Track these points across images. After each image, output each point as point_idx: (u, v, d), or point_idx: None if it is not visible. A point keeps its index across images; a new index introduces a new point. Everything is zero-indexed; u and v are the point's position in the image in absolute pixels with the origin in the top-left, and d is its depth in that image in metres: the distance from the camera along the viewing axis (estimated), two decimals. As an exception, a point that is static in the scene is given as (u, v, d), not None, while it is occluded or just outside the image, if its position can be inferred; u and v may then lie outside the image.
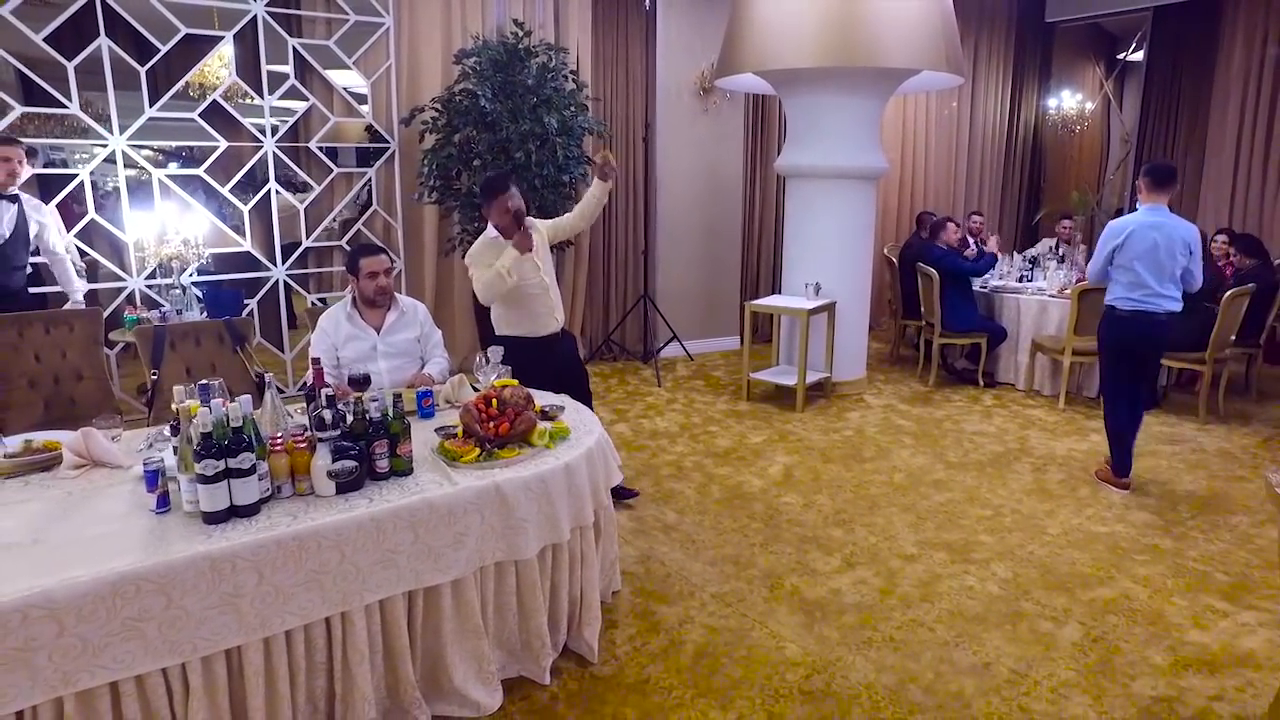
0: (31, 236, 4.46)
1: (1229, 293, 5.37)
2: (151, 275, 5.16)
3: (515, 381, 2.98)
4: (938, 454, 4.85)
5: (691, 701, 2.57)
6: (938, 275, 6.19)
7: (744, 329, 6.19)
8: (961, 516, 3.98)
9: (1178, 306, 4.17)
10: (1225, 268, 6.15)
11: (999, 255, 6.70)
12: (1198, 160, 8.62)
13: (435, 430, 2.88)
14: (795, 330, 5.92)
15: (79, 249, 5.03)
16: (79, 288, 4.66)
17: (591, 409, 3.87)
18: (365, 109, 5.93)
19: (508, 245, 3.61)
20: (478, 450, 2.65)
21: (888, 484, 4.39)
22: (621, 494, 3.98)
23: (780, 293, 6.47)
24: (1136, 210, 4.26)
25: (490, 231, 3.74)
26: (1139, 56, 9.57)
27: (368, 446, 2.44)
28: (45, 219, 4.52)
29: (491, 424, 2.72)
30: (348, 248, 5.83)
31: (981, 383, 6.39)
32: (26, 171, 4.50)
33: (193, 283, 5.11)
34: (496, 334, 3.84)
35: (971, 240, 7.37)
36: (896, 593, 3.25)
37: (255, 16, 5.28)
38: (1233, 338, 5.61)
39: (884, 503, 4.14)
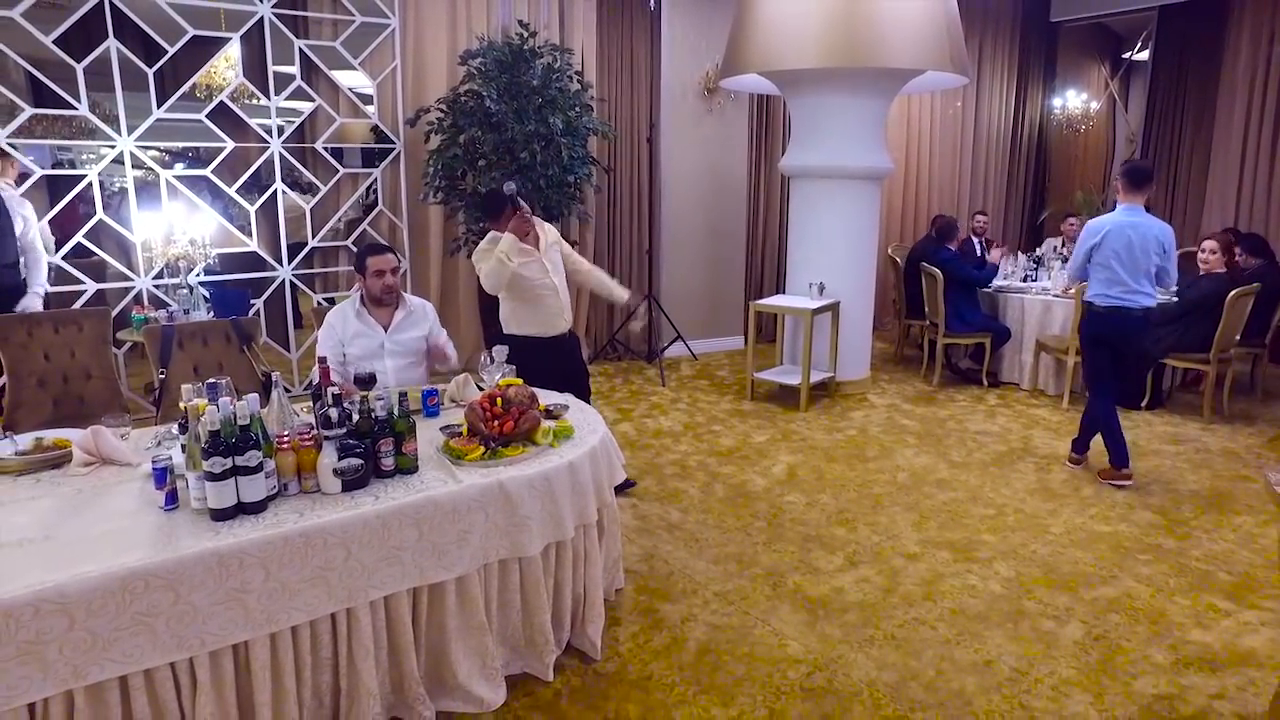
0: (17, 233, 4.46)
1: (1234, 292, 5.37)
2: (159, 275, 5.20)
3: (520, 380, 3.01)
4: (941, 453, 4.86)
5: (694, 698, 2.59)
6: (942, 276, 6.19)
7: (748, 329, 6.20)
8: (964, 516, 3.99)
9: (1153, 302, 4.32)
10: (1233, 265, 6.12)
11: (1000, 264, 6.69)
12: (1203, 160, 8.59)
13: (440, 429, 2.91)
14: (799, 330, 5.94)
15: (81, 247, 5.08)
16: (43, 283, 4.60)
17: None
18: (371, 110, 5.96)
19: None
20: (482, 448, 2.67)
21: (891, 483, 4.40)
22: (621, 484, 3.99)
23: (784, 293, 6.48)
24: (1114, 209, 4.37)
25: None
26: (1145, 56, 9.55)
27: (373, 445, 2.46)
28: (30, 215, 4.54)
29: (496, 422, 2.74)
30: (354, 248, 5.87)
31: (985, 382, 6.40)
32: (11, 170, 4.52)
33: (200, 283, 5.14)
34: (505, 333, 3.86)
35: (975, 240, 7.39)
36: (899, 591, 3.26)
37: (262, 18, 5.32)
38: (1237, 337, 5.60)
39: (887, 502, 4.15)
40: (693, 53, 7.14)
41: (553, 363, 3.78)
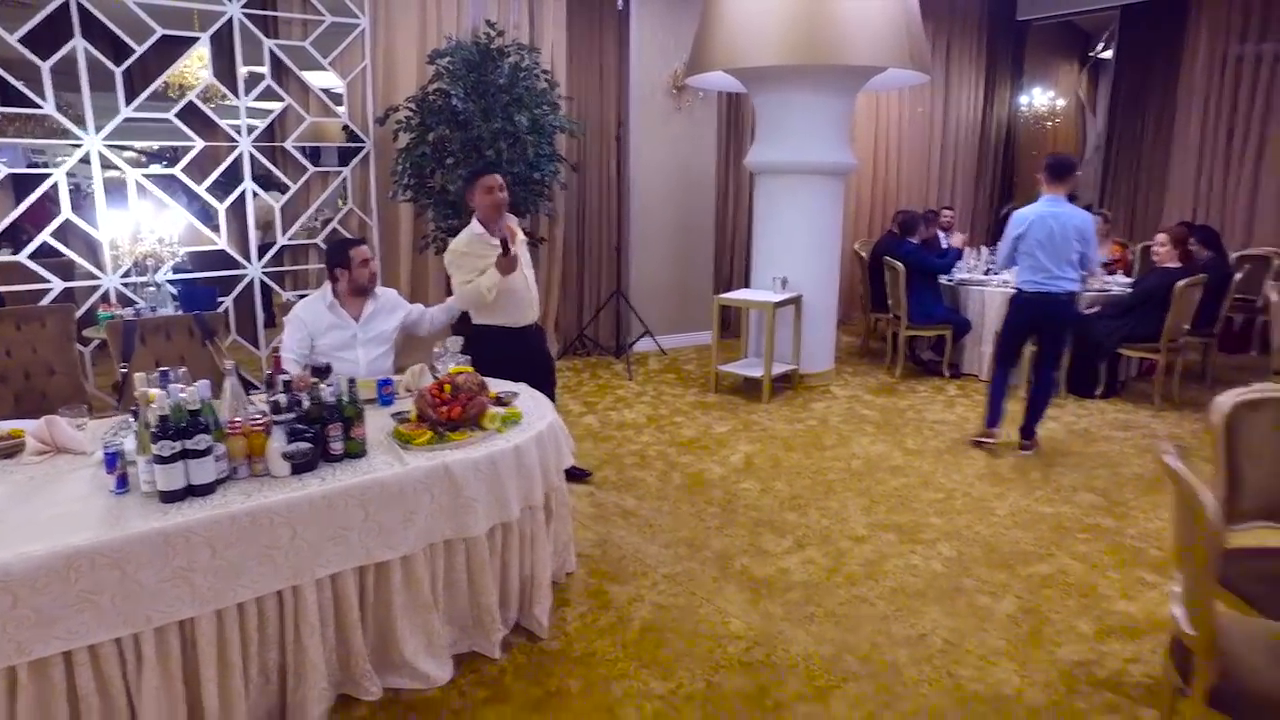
0: None
1: (1182, 282, 5.51)
2: (126, 273, 5.24)
3: (471, 369, 3.09)
4: (897, 441, 4.97)
5: (635, 672, 2.68)
6: (904, 268, 6.31)
7: (714, 323, 6.30)
8: (914, 500, 4.10)
9: (1075, 286, 4.59)
10: (1187, 256, 6.25)
11: (964, 249, 6.83)
12: (1164, 156, 8.77)
13: (392, 415, 2.99)
14: (763, 324, 6.04)
15: (48, 245, 5.12)
16: None
17: (554, 399, 3.98)
18: (341, 109, 6.02)
19: (489, 243, 3.72)
20: (431, 433, 2.76)
21: (845, 470, 4.50)
22: (575, 474, 4.09)
23: (750, 287, 6.59)
24: (1038, 200, 4.60)
25: (474, 227, 3.82)
26: (1111, 54, 9.72)
27: (322, 429, 2.54)
28: None
29: (444, 408, 2.82)
30: (323, 245, 5.92)
31: (946, 373, 6.52)
32: None
33: (168, 280, 5.19)
34: (474, 322, 3.93)
35: (941, 235, 7.51)
36: (843, 571, 3.37)
37: (231, 18, 5.37)
38: (1187, 326, 5.75)
39: (840, 488, 4.25)
40: (661, 52, 7.23)
41: (520, 353, 3.87)
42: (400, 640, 2.56)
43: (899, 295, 6.39)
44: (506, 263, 3.69)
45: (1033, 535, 3.70)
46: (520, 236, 3.96)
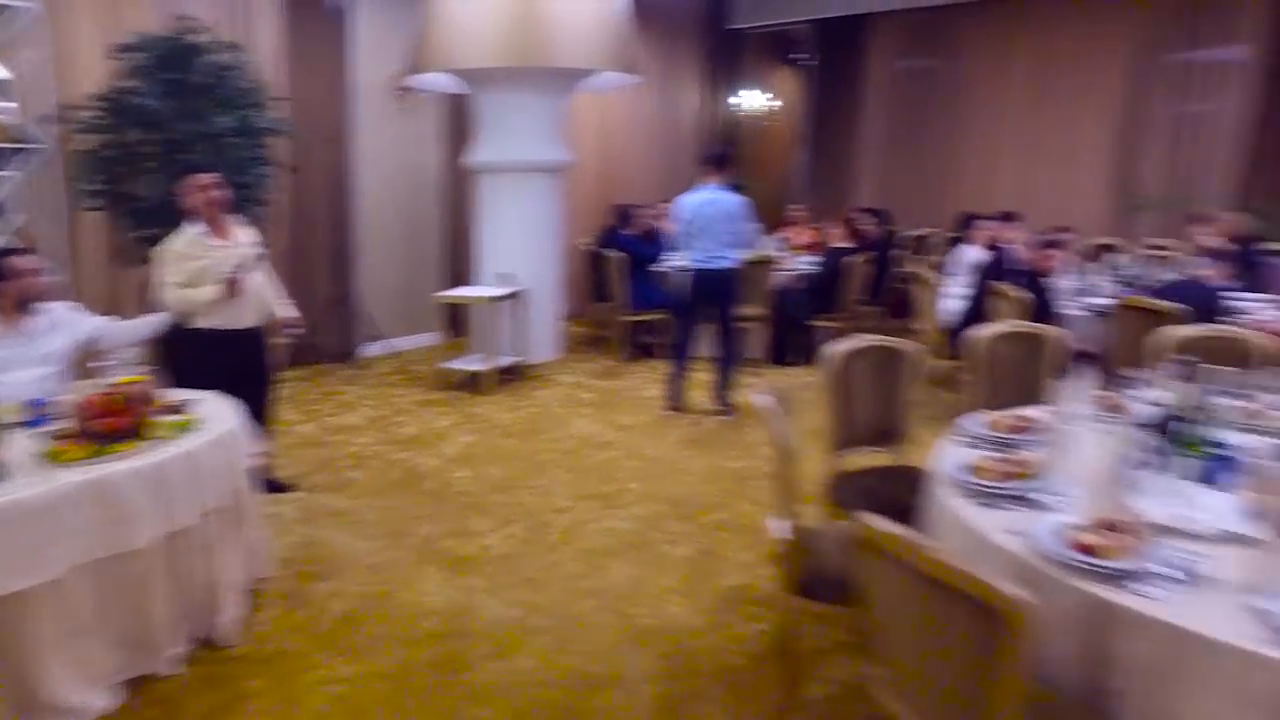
0: None
1: (858, 259, 6.35)
2: None
3: (144, 377, 2.96)
4: (610, 420, 5.32)
5: (325, 663, 2.72)
6: (622, 258, 6.72)
7: (438, 323, 6.36)
8: (618, 470, 4.43)
9: (732, 264, 5.18)
10: (860, 236, 7.16)
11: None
12: (853, 151, 9.99)
13: (47, 435, 2.79)
14: (485, 319, 6.19)
15: None
16: None
17: (265, 407, 3.88)
18: (11, 105, 5.37)
19: (208, 243, 3.63)
20: (88, 447, 2.62)
21: (558, 450, 4.76)
22: (276, 487, 4.01)
23: (474, 284, 6.72)
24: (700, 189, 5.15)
25: (196, 226, 3.67)
26: (815, 62, 10.90)
27: (-55, 457, 2.35)
28: None
29: (108, 420, 2.70)
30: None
31: (665, 354, 7.01)
32: None
33: None
34: (187, 326, 3.70)
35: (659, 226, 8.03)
36: (543, 541, 3.59)
37: None
38: (861, 298, 6.61)
39: (551, 467, 4.49)
40: (386, 52, 7.13)
41: (235, 358, 3.72)
42: (48, 677, 2.36)
43: (618, 284, 6.79)
44: (235, 289, 3.61)
45: (718, 488, 4.15)
46: (241, 238, 3.83)
